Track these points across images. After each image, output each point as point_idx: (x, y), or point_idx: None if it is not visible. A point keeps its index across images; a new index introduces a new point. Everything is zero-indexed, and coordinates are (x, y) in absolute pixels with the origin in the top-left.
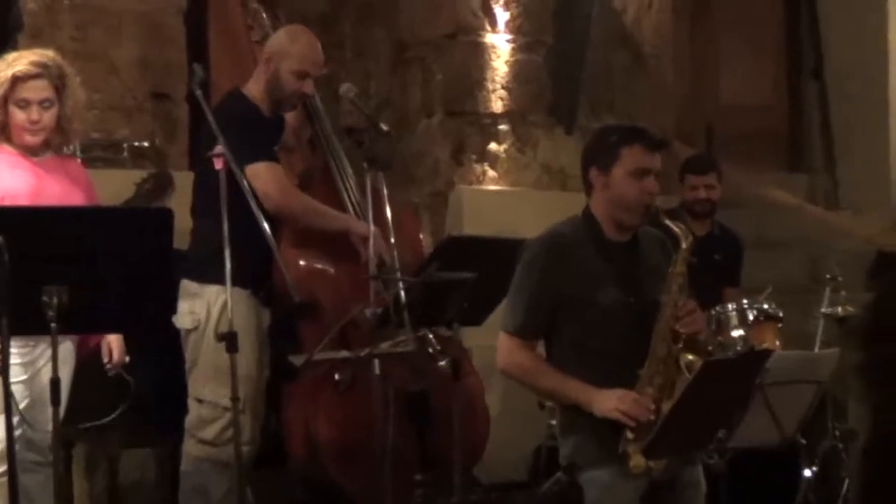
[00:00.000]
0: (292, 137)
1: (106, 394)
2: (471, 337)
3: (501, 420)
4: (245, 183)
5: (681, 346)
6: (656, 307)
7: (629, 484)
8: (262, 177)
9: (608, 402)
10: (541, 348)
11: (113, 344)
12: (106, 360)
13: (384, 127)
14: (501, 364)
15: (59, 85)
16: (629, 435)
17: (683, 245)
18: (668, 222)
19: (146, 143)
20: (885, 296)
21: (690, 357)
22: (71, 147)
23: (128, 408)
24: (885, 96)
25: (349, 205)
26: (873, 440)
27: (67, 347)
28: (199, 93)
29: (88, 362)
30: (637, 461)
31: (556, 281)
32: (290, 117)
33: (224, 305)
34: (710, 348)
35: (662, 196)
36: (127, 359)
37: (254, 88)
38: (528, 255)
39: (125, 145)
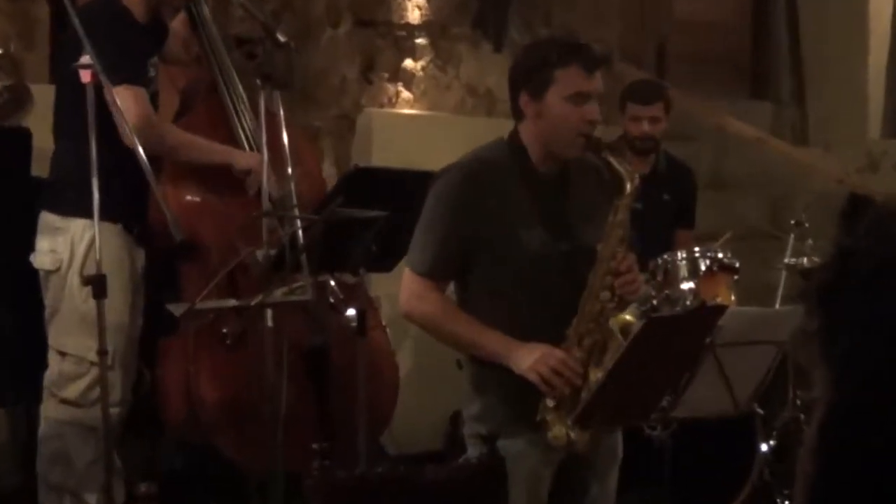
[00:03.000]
0: (179, 48)
1: None
2: (379, 285)
3: (413, 381)
4: (115, 99)
5: (614, 304)
6: (589, 254)
7: (543, 455)
8: (121, 103)
9: (528, 358)
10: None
11: None
12: None
13: (281, 37)
14: (406, 308)
15: None
16: (549, 402)
17: (627, 188)
18: (610, 159)
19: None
20: (842, 252)
21: (628, 317)
22: None
23: None
24: (863, 16)
25: (239, 129)
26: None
27: None
28: None
29: None
30: (557, 432)
31: (474, 217)
32: (178, 24)
33: (91, 243)
34: (651, 303)
35: (603, 126)
36: None
37: None
38: (442, 185)
39: None
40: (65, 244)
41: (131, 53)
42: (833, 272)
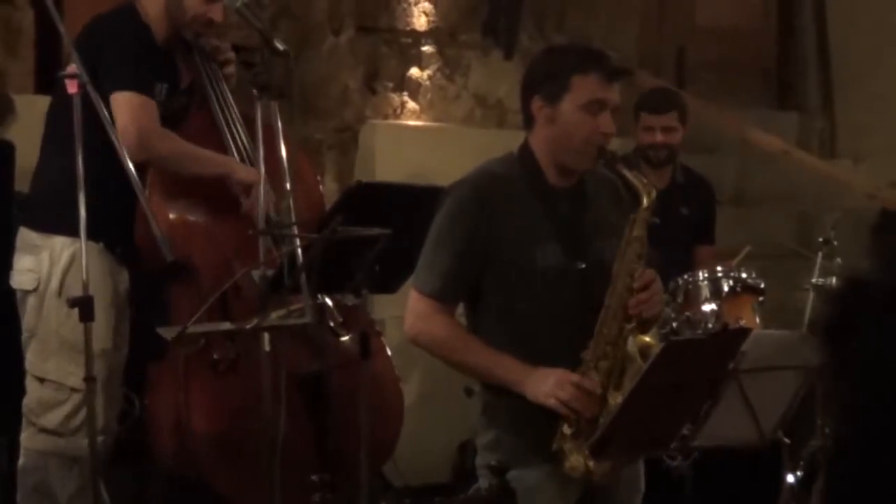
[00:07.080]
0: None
1: None
2: (382, 307)
3: (419, 409)
4: (104, 111)
5: (633, 325)
6: (607, 271)
7: (560, 489)
8: (123, 109)
9: (543, 385)
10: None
11: None
12: None
13: (280, 45)
14: (412, 331)
15: None
16: (566, 429)
17: (644, 203)
18: (625, 172)
19: None
20: (851, 285)
21: (647, 339)
22: None
23: None
24: None
25: (231, 143)
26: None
27: None
28: None
29: None
30: (575, 462)
31: (484, 234)
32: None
33: (71, 261)
34: (671, 326)
35: (619, 138)
36: None
37: (151, 7)
38: (451, 201)
39: None
40: (44, 262)
41: (139, 65)
42: (840, 307)
